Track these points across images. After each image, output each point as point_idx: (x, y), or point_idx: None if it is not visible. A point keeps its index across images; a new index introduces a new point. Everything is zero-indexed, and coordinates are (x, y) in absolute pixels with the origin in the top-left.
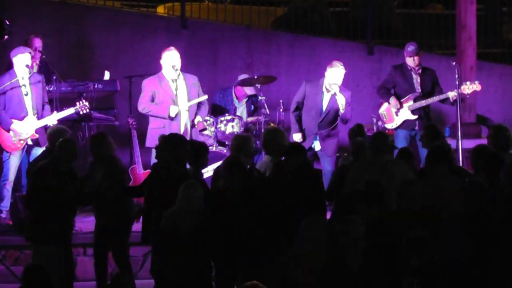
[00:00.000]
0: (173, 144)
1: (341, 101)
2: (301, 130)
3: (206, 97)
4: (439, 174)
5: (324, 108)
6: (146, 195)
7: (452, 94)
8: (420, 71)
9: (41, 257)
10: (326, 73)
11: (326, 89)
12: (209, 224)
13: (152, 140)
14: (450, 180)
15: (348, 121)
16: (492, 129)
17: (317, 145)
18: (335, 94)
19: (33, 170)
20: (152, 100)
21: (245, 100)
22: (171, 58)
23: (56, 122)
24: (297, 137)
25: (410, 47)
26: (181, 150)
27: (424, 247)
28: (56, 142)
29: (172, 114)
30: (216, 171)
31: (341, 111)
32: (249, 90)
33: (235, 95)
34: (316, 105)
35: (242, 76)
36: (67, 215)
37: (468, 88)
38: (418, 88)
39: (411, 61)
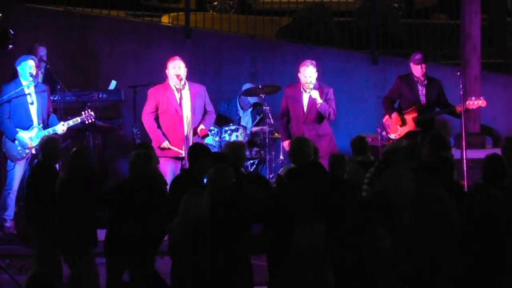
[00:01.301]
0: (196, 154)
1: (315, 95)
2: (289, 137)
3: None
4: (435, 186)
5: (305, 107)
6: (169, 206)
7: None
8: (426, 82)
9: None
10: (299, 74)
11: (304, 89)
12: (211, 232)
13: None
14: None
15: (331, 115)
16: (506, 141)
17: None
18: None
19: (57, 189)
20: (156, 109)
21: (250, 109)
22: (175, 68)
23: (63, 132)
24: (286, 144)
25: (418, 55)
26: (203, 160)
27: (419, 253)
28: (47, 152)
29: (161, 147)
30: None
31: (318, 104)
32: (252, 98)
33: (240, 105)
34: (298, 106)
35: (246, 85)
36: (93, 220)
37: (474, 103)
38: (423, 100)
39: (418, 70)
